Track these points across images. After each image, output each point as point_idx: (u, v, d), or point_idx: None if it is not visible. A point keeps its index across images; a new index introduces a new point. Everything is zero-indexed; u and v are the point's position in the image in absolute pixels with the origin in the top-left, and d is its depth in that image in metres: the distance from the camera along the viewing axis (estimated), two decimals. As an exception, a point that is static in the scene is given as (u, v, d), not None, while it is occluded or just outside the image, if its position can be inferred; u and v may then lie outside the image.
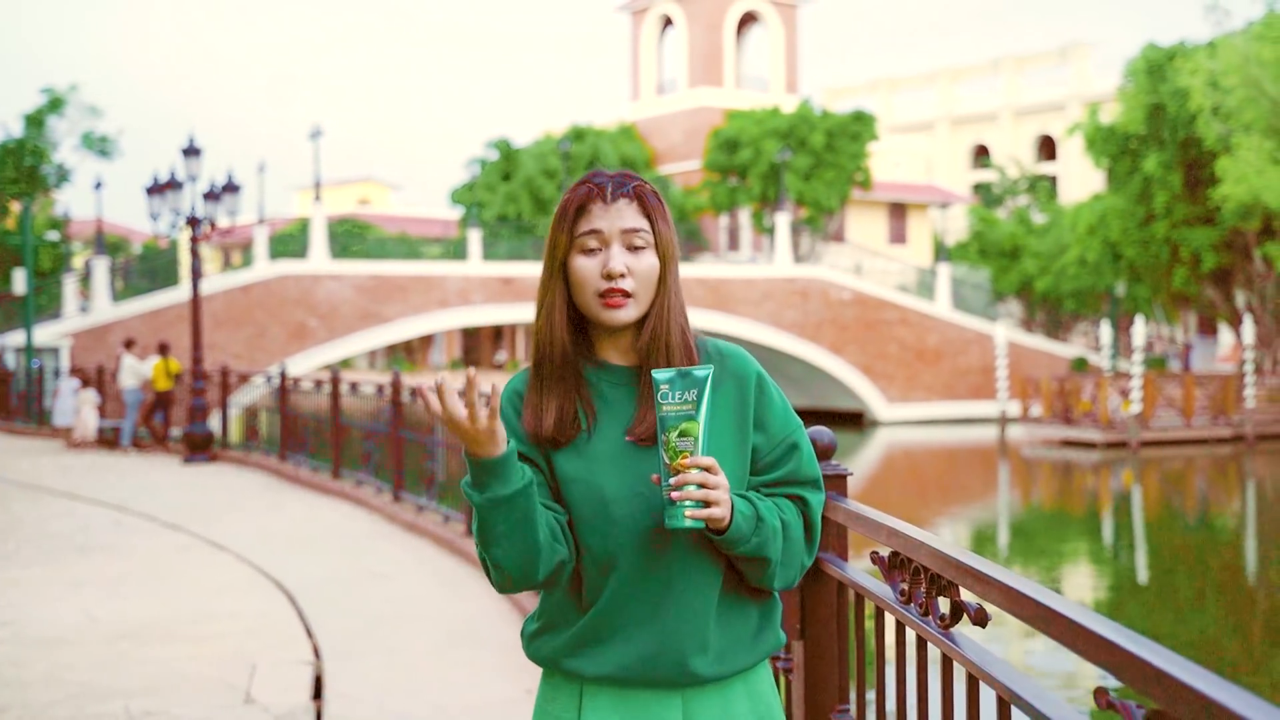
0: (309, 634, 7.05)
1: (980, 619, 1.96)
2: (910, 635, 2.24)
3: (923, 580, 2.16)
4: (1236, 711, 1.22)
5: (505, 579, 1.96)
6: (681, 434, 1.86)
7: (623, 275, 1.98)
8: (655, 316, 2.02)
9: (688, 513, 1.85)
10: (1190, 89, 31.24)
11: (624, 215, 2.00)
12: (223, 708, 5.53)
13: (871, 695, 2.63)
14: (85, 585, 8.48)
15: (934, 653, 2.14)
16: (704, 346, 2.08)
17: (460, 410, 1.82)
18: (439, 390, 1.82)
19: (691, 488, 1.84)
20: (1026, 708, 1.72)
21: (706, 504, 1.86)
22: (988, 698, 1.91)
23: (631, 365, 2.06)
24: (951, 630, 2.08)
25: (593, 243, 2.00)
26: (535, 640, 2.06)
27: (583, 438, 2.01)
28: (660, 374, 1.90)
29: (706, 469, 1.86)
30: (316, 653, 6.60)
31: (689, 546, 1.97)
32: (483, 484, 1.88)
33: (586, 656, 1.99)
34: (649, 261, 2.01)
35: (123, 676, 6.05)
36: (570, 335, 2.03)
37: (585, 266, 2.00)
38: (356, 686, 5.91)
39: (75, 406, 20.64)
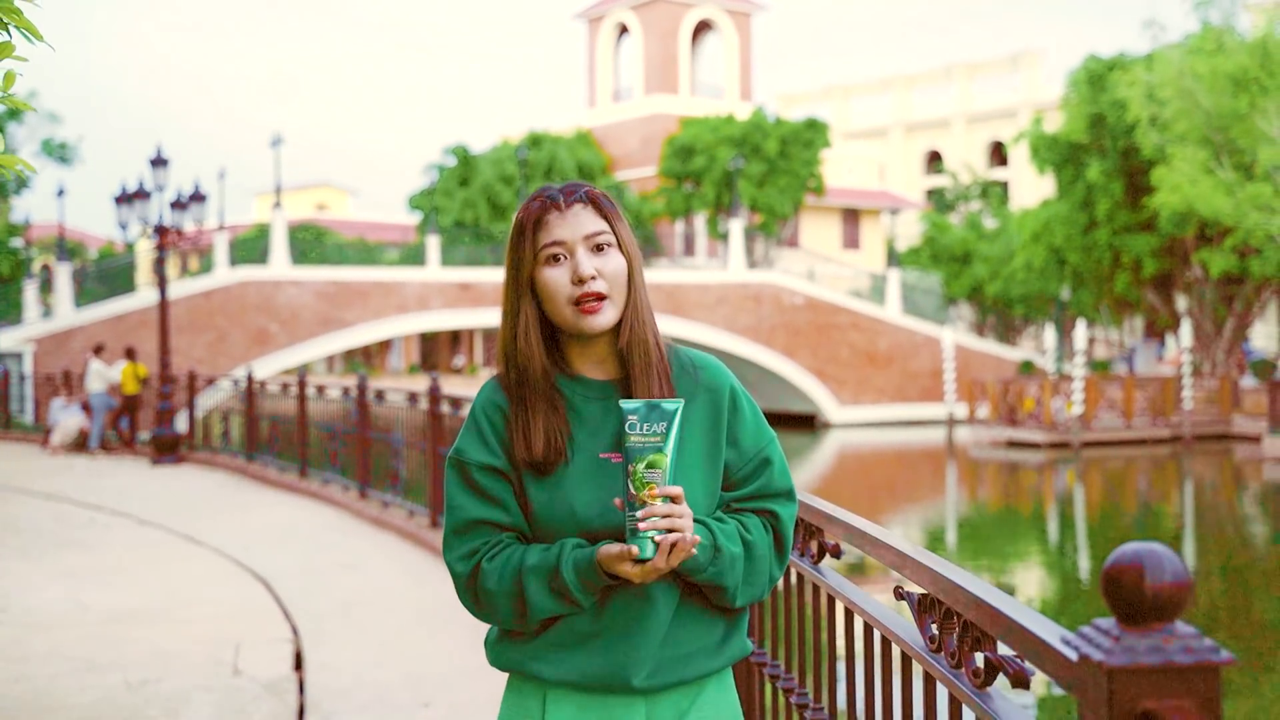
0: (286, 616, 7.62)
1: (835, 551, 2.61)
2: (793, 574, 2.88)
3: (800, 529, 2.80)
4: (964, 587, 1.85)
5: None
6: (649, 465, 1.86)
7: (594, 277, 1.97)
8: (631, 317, 2.01)
9: (656, 538, 1.86)
10: (1128, 100, 32.22)
11: (582, 220, 1.99)
12: (214, 678, 6.11)
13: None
14: (71, 577, 9.00)
15: (808, 585, 2.78)
16: (676, 356, 2.07)
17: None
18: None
19: (657, 518, 1.85)
20: (859, 611, 2.36)
21: (670, 533, 1.87)
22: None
23: (608, 379, 2.05)
24: (820, 565, 2.71)
25: (557, 252, 1.98)
26: (498, 647, 2.06)
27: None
28: (628, 404, 1.90)
29: (673, 499, 1.86)
30: (295, 632, 7.18)
31: None
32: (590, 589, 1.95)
33: (550, 661, 1.99)
34: (616, 261, 2.00)
35: (118, 653, 6.61)
36: (546, 353, 2.03)
37: (554, 277, 1.98)
38: (334, 659, 6.51)
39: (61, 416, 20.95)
